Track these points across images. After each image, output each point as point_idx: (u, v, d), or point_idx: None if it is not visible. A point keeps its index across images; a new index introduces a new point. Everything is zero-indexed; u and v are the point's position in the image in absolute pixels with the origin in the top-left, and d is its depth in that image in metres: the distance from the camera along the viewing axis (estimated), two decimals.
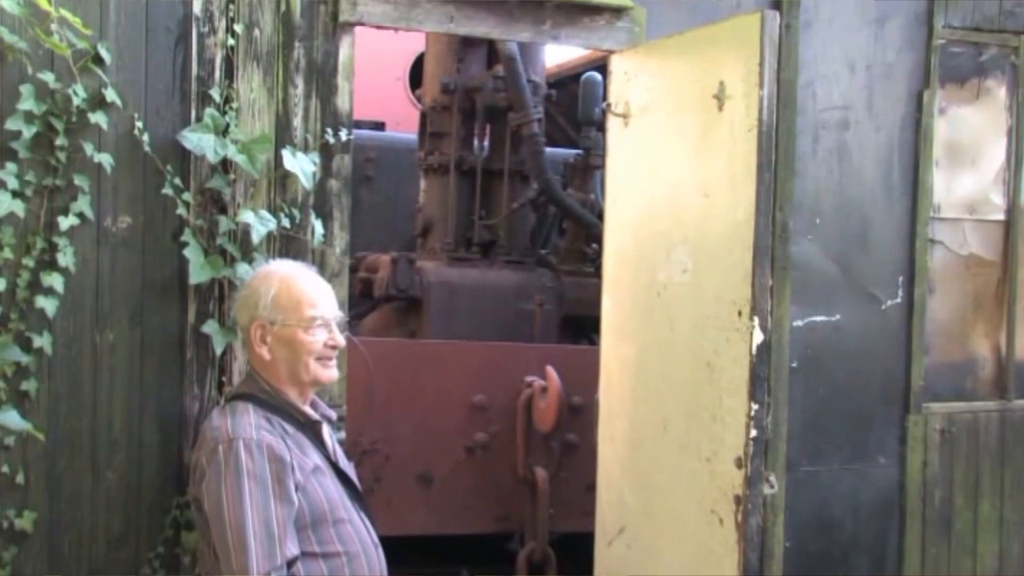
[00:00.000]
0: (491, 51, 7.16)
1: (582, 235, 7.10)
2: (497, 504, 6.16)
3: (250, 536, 3.10)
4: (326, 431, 3.54)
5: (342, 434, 4.44)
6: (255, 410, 3.31)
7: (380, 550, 3.50)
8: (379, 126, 8.56)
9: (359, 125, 7.85)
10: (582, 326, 6.78)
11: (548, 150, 7.12)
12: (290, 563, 3.15)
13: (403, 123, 8.82)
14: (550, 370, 5.98)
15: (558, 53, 8.00)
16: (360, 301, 6.92)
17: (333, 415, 3.66)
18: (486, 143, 7.18)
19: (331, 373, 3.50)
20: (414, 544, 6.37)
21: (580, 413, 5.96)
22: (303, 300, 3.43)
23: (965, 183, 5.35)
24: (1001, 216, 5.44)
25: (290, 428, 3.35)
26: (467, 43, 7.07)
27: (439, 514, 6.08)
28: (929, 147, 5.16)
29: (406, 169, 7.72)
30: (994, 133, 5.43)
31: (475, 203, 7.07)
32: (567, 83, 7.91)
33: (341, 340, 3.52)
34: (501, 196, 7.09)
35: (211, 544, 3.20)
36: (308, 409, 3.48)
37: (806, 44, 4.98)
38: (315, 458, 3.36)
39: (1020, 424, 5.43)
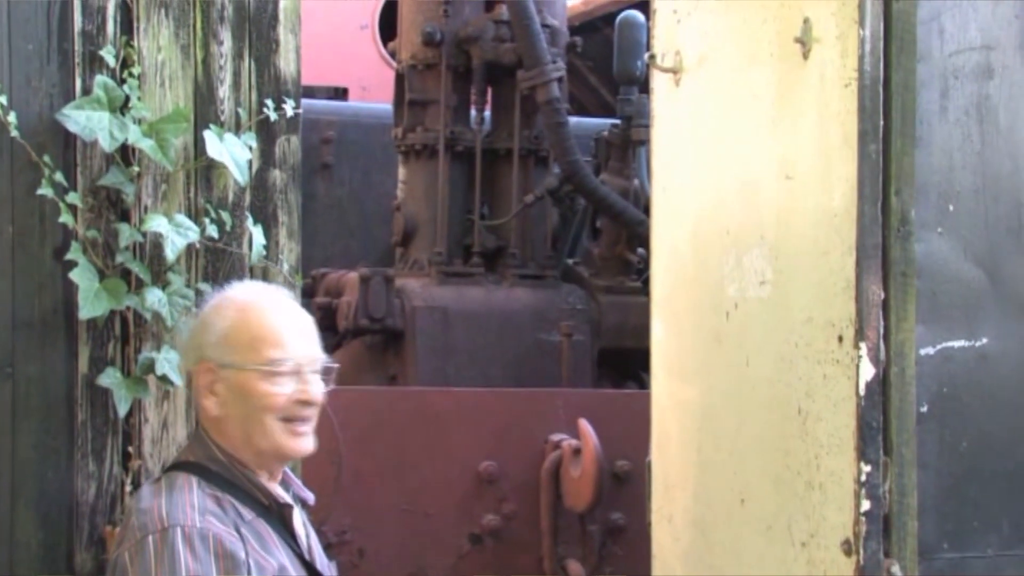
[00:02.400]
0: None
1: (624, 237, 7.13)
2: None
3: None
4: (298, 518, 3.49)
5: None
6: (200, 486, 3.22)
7: None
8: (340, 94, 8.59)
9: (312, 93, 7.92)
10: (627, 362, 6.81)
11: (574, 120, 7.14)
12: None
13: (373, 89, 8.85)
14: (584, 425, 6.00)
15: None
16: (320, 335, 6.95)
17: (311, 497, 3.56)
18: (487, 114, 7.20)
19: (303, 443, 3.37)
20: None
21: (627, 484, 5.98)
22: (264, 336, 3.30)
23: None
24: None
25: (248, 514, 3.27)
26: None
27: None
28: None
29: (378, 152, 7.76)
30: None
31: (475, 197, 7.09)
32: (598, 28, 7.93)
33: (318, 394, 3.38)
34: (510, 186, 7.13)
35: None
36: (275, 488, 3.44)
37: None
38: (280, 556, 3.30)
39: None
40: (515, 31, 6.90)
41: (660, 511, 5.05)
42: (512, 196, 7.11)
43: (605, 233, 7.28)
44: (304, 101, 4.58)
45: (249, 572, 3.10)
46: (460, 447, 6.10)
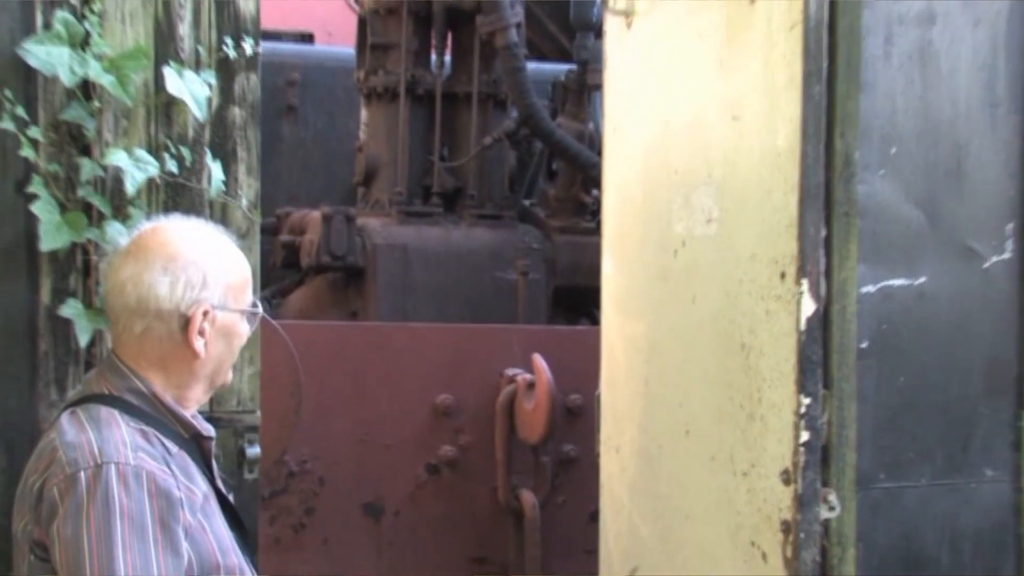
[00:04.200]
0: None
1: (579, 179, 7.12)
2: (471, 540, 6.20)
3: None
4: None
5: (256, 449, 4.42)
6: (124, 420, 3.15)
7: None
8: (306, 38, 8.57)
9: (278, 37, 7.89)
10: (581, 300, 6.81)
11: (532, 66, 7.12)
12: None
13: (337, 34, 8.81)
14: (538, 360, 6.00)
15: None
16: (283, 272, 6.94)
17: (212, 431, 3.52)
18: (448, 58, 7.16)
19: (230, 375, 3.44)
20: None
21: (580, 417, 5.98)
22: (247, 280, 3.35)
23: None
24: None
25: (172, 447, 3.22)
26: None
27: (393, 556, 6.12)
28: None
29: (342, 95, 7.73)
30: None
31: (434, 138, 7.07)
32: None
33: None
34: (469, 129, 7.12)
35: None
36: (199, 420, 3.40)
37: None
38: (202, 485, 3.26)
39: None
40: None
41: (608, 442, 5.06)
42: (471, 138, 7.09)
43: (561, 175, 7.27)
44: (270, 45, 4.55)
45: (182, 506, 3.05)
46: (417, 380, 6.10)
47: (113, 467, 2.98)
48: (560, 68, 7.46)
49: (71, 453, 3.02)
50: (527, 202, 7.32)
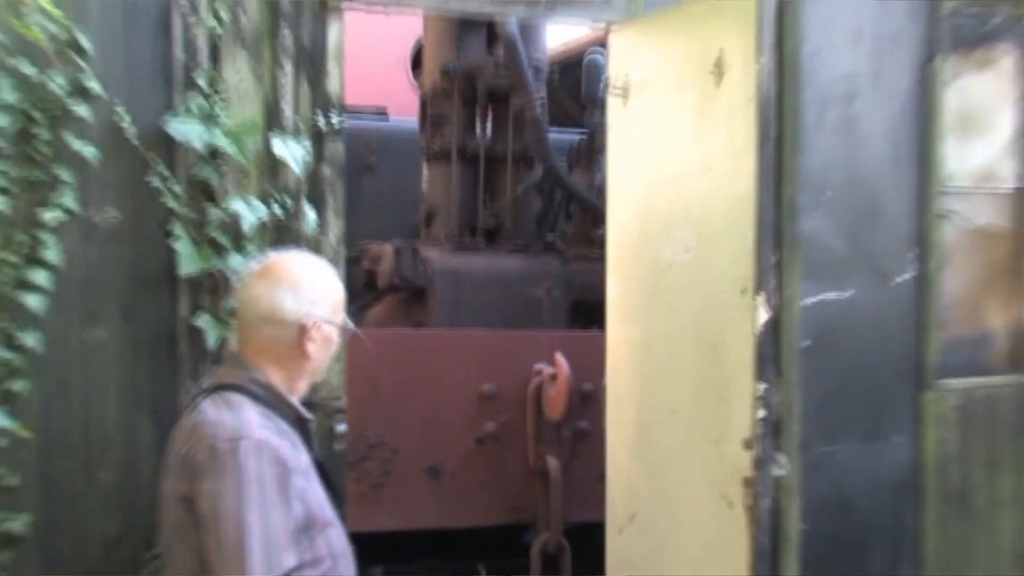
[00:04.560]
0: (491, 33, 7.15)
1: (589, 219, 7.10)
2: (509, 495, 6.18)
3: (252, 544, 2.99)
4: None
5: (343, 426, 4.44)
6: (252, 405, 3.15)
7: (351, 553, 3.43)
8: (381, 113, 8.56)
9: (360, 112, 7.90)
10: (592, 311, 6.75)
11: (554, 133, 7.12)
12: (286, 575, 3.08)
13: (405, 109, 8.80)
14: (559, 357, 5.99)
15: (563, 35, 7.98)
16: (364, 292, 6.93)
17: (311, 415, 3.44)
18: (488, 127, 7.16)
19: None
20: (427, 539, 6.40)
21: (591, 400, 5.96)
22: (341, 302, 3.33)
23: (976, 154, 5.30)
24: (1014, 186, 5.40)
25: (284, 425, 3.25)
26: (466, 26, 7.06)
27: (450, 507, 6.10)
28: (938, 118, 5.11)
29: (409, 157, 7.72)
30: (1003, 103, 5.39)
31: (479, 189, 7.07)
32: (573, 65, 7.88)
33: None
34: (505, 181, 7.10)
35: (195, 548, 3.13)
36: (300, 407, 3.42)
37: (811, 13, 4.90)
38: (306, 458, 3.30)
39: None
40: (508, 66, 6.87)
41: (613, 419, 5.04)
42: (507, 189, 7.08)
43: (576, 216, 7.27)
44: (355, 119, 4.53)
45: (293, 473, 3.05)
46: (467, 374, 6.09)
47: (248, 441, 2.98)
48: (574, 136, 7.46)
49: (212, 429, 3.02)
50: (550, 237, 7.30)
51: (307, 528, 3.14)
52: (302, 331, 3.19)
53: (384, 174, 7.90)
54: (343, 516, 3.45)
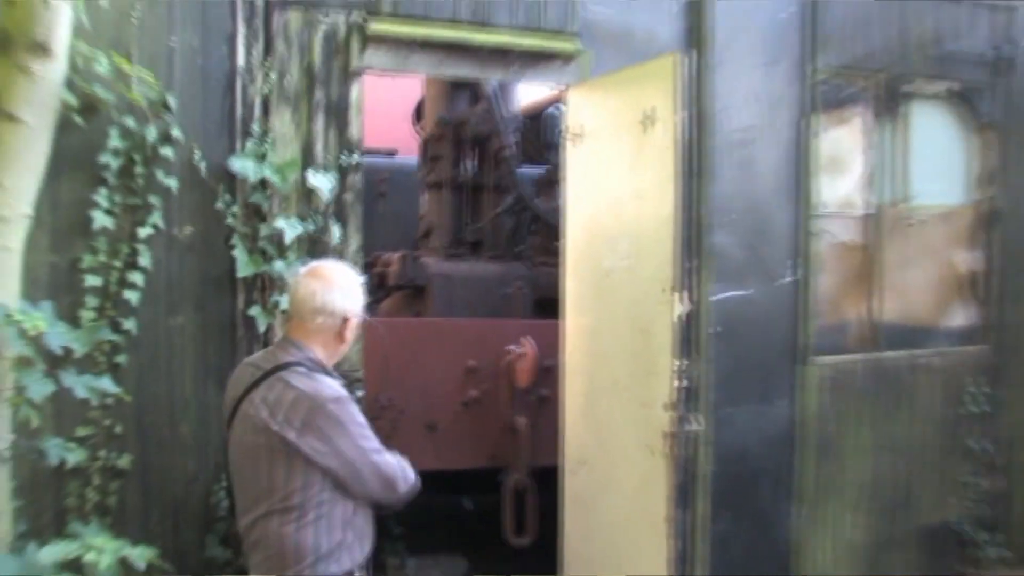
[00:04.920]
0: (474, 92, 7.12)
1: (550, 234, 7.06)
2: (488, 445, 6.10)
3: (391, 464, 3.15)
4: None
5: (361, 392, 4.44)
6: (321, 375, 3.17)
7: None
8: (392, 153, 8.51)
9: (376, 152, 7.86)
10: (552, 305, 6.68)
11: (524, 168, 7.10)
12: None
13: (410, 150, 8.77)
14: (526, 340, 5.96)
15: (534, 93, 7.96)
16: (377, 290, 6.89)
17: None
18: (473, 164, 7.13)
19: None
20: (427, 480, 6.34)
21: (551, 373, 5.89)
22: (363, 299, 3.33)
23: (840, 187, 5.37)
24: (866, 212, 5.45)
25: None
26: (456, 87, 7.03)
27: (443, 454, 6.03)
28: (812, 160, 5.15)
29: (412, 187, 7.68)
30: (858, 148, 5.45)
31: (465, 211, 7.03)
32: (536, 116, 7.88)
33: None
34: (485, 205, 7.06)
35: (304, 477, 3.04)
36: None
37: (719, 80, 4.96)
38: None
39: (882, 370, 5.44)
40: (488, 117, 6.85)
41: (567, 388, 5.02)
42: (486, 211, 7.06)
43: (539, 232, 7.23)
44: (370, 157, 4.52)
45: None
46: (456, 352, 6.03)
47: (345, 398, 3.06)
48: (539, 169, 7.45)
49: (309, 392, 3.05)
50: (519, 248, 7.28)
51: None
52: (344, 321, 3.21)
53: (393, 200, 7.85)
54: None
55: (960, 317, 5.84)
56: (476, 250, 7.01)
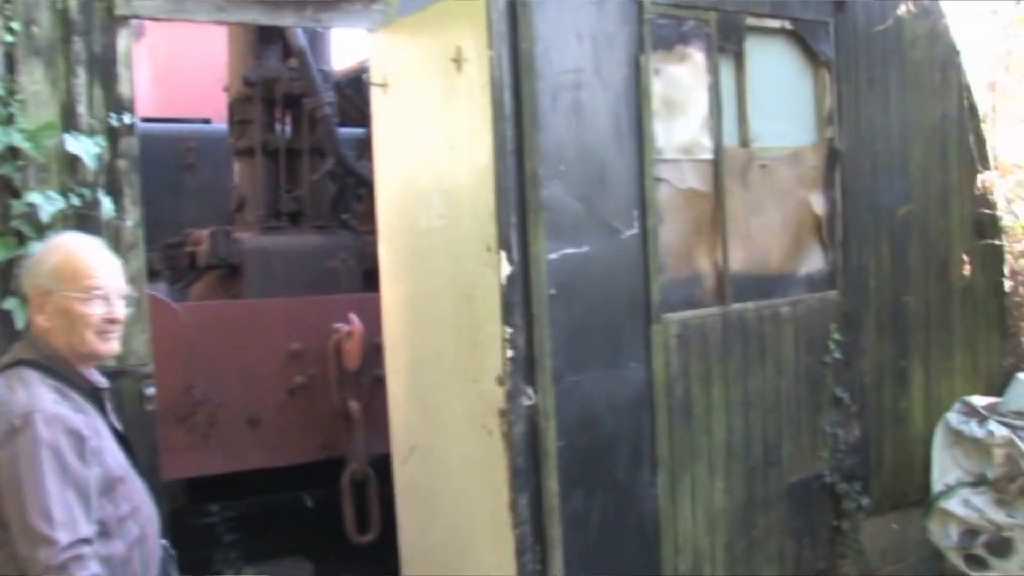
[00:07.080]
0: (285, 48, 6.72)
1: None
2: (320, 436, 5.87)
3: (55, 510, 2.63)
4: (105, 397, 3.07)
5: (151, 389, 4.05)
6: (43, 379, 2.79)
7: (151, 499, 3.05)
8: (206, 122, 8.05)
9: (188, 121, 7.42)
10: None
11: (345, 129, 6.77)
12: (87, 540, 2.68)
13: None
14: (353, 317, 5.71)
15: (356, 54, 7.62)
16: (188, 272, 6.50)
17: (106, 383, 3.08)
18: (287, 126, 6.76)
19: (110, 346, 2.96)
20: (260, 478, 6.03)
21: (383, 351, 5.67)
22: (82, 271, 2.89)
23: (680, 130, 5.22)
24: (710, 156, 5.34)
25: (76, 396, 2.84)
26: (263, 40, 6.63)
27: (268, 449, 5.76)
28: (648, 102, 4.96)
29: (224, 156, 7.25)
30: (698, 89, 5.31)
31: (280, 178, 6.67)
32: (359, 77, 7.55)
33: (121, 314, 2.97)
34: (303, 171, 6.72)
35: None
36: (93, 375, 3.00)
37: (541, 18, 4.68)
38: (100, 425, 2.90)
39: (736, 323, 5.36)
40: (301, 74, 6.48)
41: (391, 366, 4.84)
42: (304, 176, 6.70)
43: (366, 198, 6.90)
44: (177, 124, 4.13)
45: (88, 440, 2.74)
46: (277, 335, 5.74)
47: (39, 414, 2.70)
48: (362, 131, 7.12)
49: (8, 405, 2.73)
50: (344, 216, 6.95)
51: (109, 489, 2.78)
52: (30, 303, 2.88)
53: (204, 172, 7.41)
54: (150, 470, 3.12)
55: (814, 263, 5.78)
56: (296, 221, 6.67)
